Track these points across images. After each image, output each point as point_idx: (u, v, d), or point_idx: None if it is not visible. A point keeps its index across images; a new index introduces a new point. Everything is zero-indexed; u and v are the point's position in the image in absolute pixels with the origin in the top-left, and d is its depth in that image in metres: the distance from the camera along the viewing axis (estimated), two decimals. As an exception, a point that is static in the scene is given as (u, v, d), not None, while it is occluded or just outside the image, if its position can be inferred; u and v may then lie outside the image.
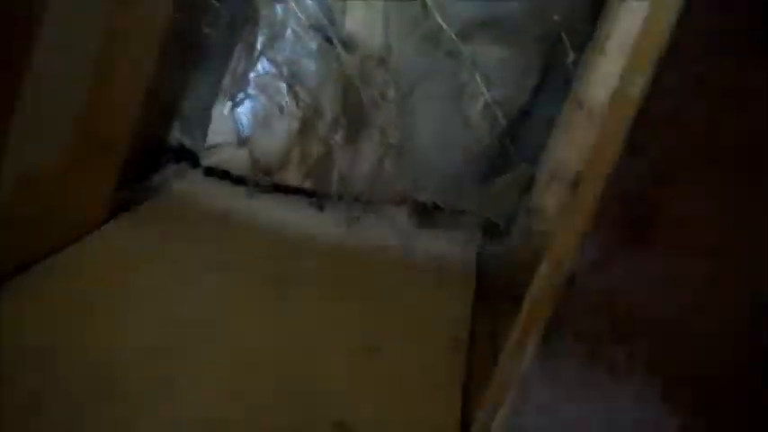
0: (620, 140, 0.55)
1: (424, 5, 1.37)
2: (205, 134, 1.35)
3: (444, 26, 1.38)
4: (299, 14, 1.32)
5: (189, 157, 1.38)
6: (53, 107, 0.96)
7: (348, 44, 1.33)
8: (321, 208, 1.35)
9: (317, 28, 1.32)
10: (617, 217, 0.56)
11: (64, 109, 0.99)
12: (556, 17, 1.36)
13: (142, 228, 1.20)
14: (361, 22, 1.34)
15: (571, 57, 1.30)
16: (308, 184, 1.38)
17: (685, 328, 0.56)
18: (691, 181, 0.55)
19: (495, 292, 1.22)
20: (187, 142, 1.36)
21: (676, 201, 0.56)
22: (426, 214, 1.39)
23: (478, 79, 1.41)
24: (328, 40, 1.32)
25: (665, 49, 0.54)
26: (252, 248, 1.23)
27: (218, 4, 1.32)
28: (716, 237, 0.56)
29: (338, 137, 1.34)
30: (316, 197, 1.37)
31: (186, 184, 1.36)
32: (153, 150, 1.32)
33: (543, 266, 0.67)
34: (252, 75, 1.34)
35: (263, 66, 1.34)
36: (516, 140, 1.43)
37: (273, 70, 1.33)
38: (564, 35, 1.33)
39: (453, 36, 1.38)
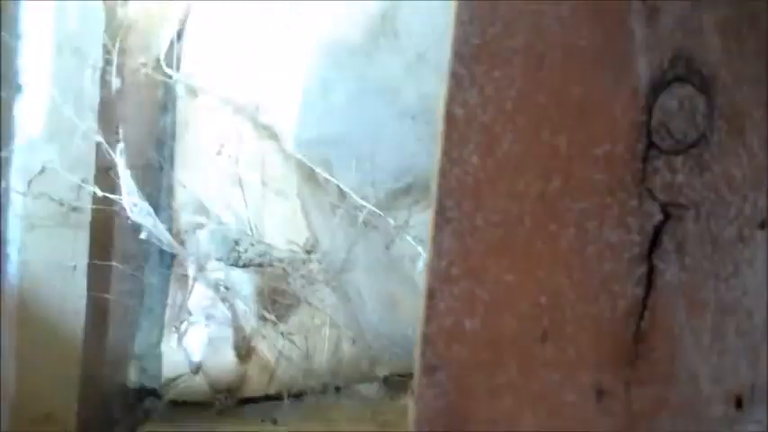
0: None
1: (340, 190, 1.43)
2: (160, 370, 1.39)
3: (363, 203, 1.43)
4: (222, 238, 1.38)
5: (151, 394, 1.41)
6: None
7: (273, 253, 1.38)
8: (275, 421, 1.38)
9: (240, 245, 1.38)
10: None
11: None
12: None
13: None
14: (282, 225, 1.40)
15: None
16: (271, 390, 1.41)
17: None
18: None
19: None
20: (145, 381, 1.40)
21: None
22: (391, 386, 1.41)
23: (412, 242, 1.45)
24: (252, 257, 1.37)
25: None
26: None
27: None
28: None
29: (288, 341, 1.38)
30: (281, 400, 1.40)
31: (154, 422, 1.39)
32: (112, 398, 1.35)
33: None
34: (190, 302, 1.39)
35: (199, 291, 1.38)
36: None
37: (210, 292, 1.38)
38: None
39: (375, 210, 1.43)
